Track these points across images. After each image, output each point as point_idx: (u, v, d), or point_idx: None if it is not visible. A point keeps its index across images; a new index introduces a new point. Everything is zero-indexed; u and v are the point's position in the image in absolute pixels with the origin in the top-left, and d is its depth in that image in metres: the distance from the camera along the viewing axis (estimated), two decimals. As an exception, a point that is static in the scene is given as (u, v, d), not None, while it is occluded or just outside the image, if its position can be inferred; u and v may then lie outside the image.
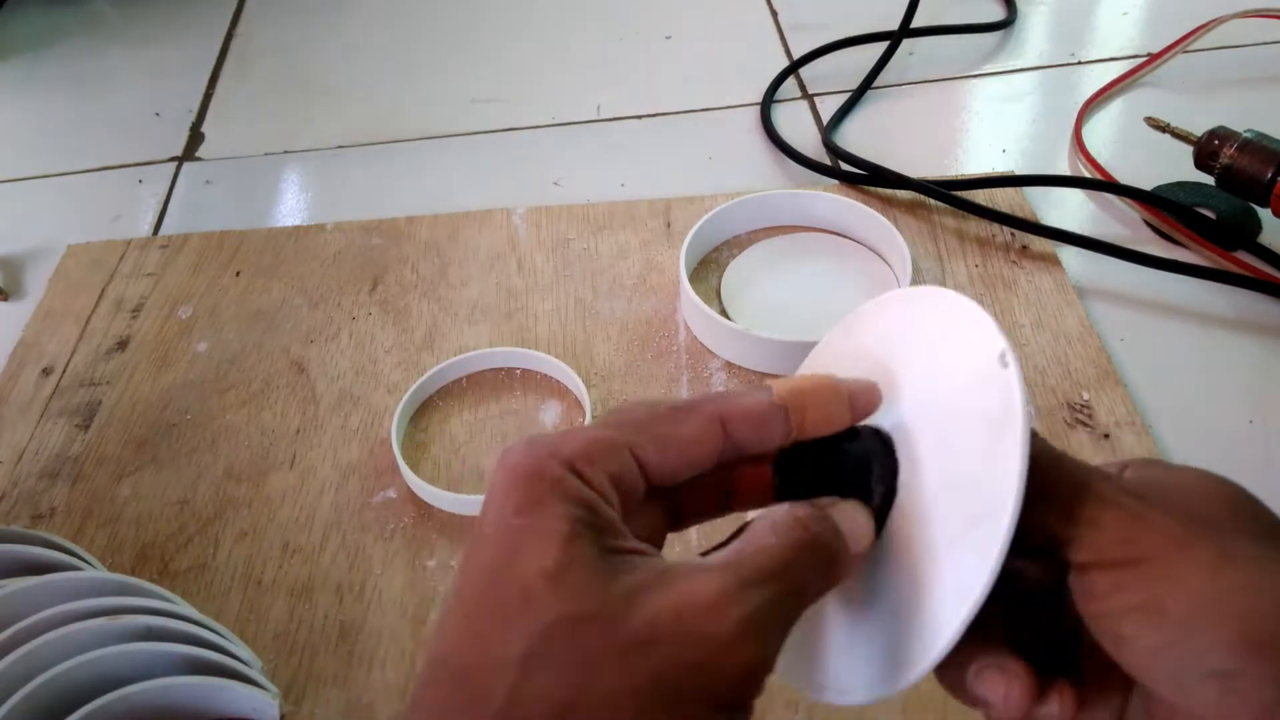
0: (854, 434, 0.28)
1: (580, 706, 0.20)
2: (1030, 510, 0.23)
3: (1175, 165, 0.65)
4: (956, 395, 0.26)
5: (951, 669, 0.26)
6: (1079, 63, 0.80)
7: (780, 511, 0.24)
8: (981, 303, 0.59)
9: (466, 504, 0.51)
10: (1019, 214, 0.64)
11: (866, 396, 0.27)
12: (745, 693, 0.22)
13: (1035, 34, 0.84)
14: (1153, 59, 0.77)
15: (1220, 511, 0.24)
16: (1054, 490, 0.24)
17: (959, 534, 0.25)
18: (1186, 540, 0.22)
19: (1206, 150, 0.61)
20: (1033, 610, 0.28)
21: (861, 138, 0.74)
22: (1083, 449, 0.51)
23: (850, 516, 0.25)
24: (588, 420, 0.54)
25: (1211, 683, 0.21)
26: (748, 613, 0.22)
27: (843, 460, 0.27)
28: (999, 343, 0.25)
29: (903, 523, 0.27)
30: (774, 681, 0.43)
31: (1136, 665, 0.23)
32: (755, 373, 0.57)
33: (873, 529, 0.26)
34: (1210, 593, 0.22)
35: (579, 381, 0.56)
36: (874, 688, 0.26)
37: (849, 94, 0.78)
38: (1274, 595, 0.21)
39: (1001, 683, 0.25)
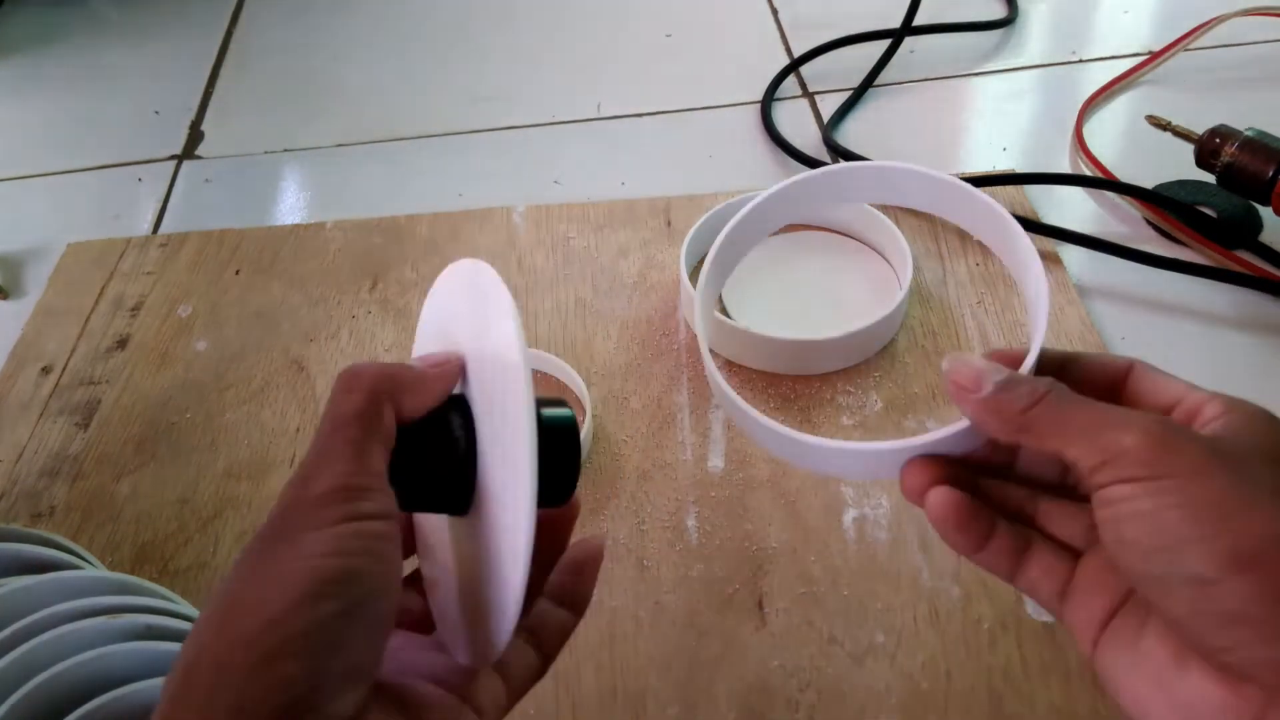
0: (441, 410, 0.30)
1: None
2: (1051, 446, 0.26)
3: (1176, 164, 0.65)
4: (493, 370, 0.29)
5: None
6: (1080, 61, 0.80)
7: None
8: (982, 301, 0.59)
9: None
10: (1020, 212, 0.64)
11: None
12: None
13: (1036, 32, 0.84)
14: (1154, 57, 0.77)
15: (1257, 454, 0.25)
16: (1079, 428, 0.26)
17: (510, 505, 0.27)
18: (1206, 468, 0.24)
19: (1208, 148, 0.61)
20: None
21: (862, 136, 0.74)
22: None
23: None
24: (588, 420, 0.54)
25: (1189, 587, 0.23)
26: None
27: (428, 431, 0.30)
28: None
29: (489, 484, 0.29)
30: (774, 682, 0.43)
31: (1130, 565, 0.25)
32: (756, 371, 0.57)
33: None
34: (1211, 511, 0.23)
35: (579, 380, 0.55)
36: (475, 656, 0.29)
37: (850, 92, 0.78)
38: (1266, 518, 0.23)
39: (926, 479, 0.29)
